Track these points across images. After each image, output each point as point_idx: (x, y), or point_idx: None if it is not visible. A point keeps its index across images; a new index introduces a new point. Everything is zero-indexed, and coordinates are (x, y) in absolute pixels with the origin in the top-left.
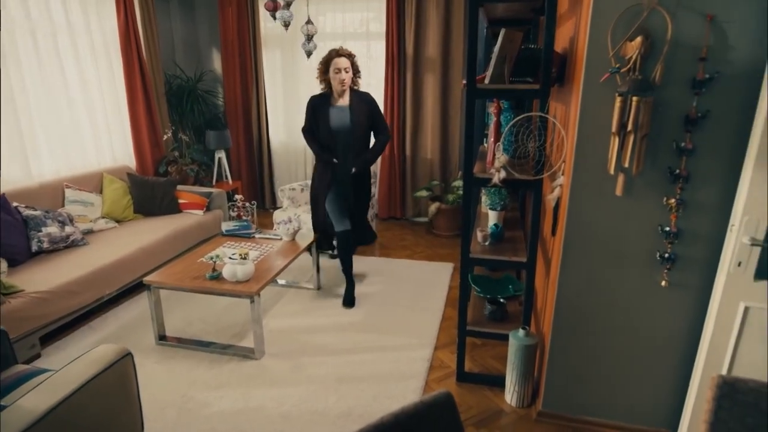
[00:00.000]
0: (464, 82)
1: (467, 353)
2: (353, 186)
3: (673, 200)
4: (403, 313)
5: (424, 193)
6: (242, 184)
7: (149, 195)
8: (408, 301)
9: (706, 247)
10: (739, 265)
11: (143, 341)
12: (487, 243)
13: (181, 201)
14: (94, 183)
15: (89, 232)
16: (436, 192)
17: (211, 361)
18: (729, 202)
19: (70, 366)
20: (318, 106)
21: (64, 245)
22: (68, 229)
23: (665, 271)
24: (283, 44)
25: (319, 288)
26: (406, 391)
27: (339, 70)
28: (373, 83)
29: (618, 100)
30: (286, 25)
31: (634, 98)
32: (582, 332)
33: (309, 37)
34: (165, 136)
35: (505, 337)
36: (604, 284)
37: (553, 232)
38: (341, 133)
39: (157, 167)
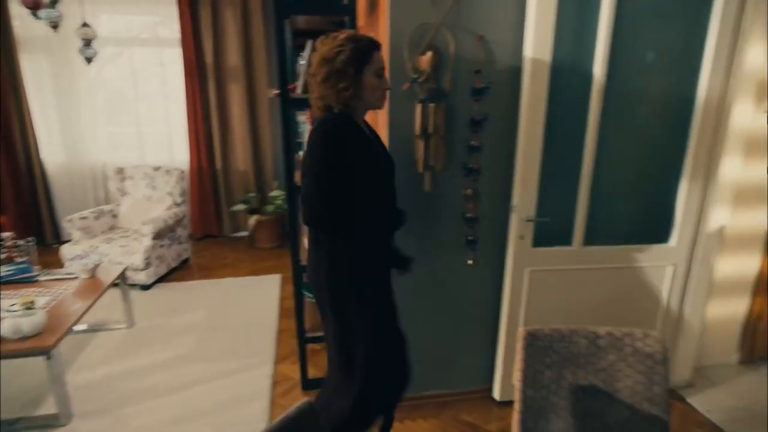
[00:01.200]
0: (276, 91)
1: (309, 360)
2: None
3: (470, 191)
4: (235, 334)
5: (241, 207)
6: (9, 218)
7: None
8: (239, 320)
9: (498, 227)
10: (522, 238)
11: None
12: None
13: None
14: None
15: None
16: (253, 204)
17: None
18: (509, 188)
19: None
20: (354, 140)
21: None
22: None
23: (471, 251)
24: (50, 48)
25: (133, 325)
26: (252, 414)
27: (381, 73)
28: (171, 94)
29: (419, 106)
30: (54, 25)
31: (431, 105)
32: (414, 317)
33: (87, 42)
34: None
35: None
36: (428, 271)
37: None
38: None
39: None
